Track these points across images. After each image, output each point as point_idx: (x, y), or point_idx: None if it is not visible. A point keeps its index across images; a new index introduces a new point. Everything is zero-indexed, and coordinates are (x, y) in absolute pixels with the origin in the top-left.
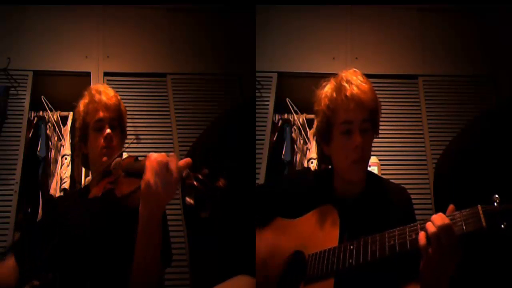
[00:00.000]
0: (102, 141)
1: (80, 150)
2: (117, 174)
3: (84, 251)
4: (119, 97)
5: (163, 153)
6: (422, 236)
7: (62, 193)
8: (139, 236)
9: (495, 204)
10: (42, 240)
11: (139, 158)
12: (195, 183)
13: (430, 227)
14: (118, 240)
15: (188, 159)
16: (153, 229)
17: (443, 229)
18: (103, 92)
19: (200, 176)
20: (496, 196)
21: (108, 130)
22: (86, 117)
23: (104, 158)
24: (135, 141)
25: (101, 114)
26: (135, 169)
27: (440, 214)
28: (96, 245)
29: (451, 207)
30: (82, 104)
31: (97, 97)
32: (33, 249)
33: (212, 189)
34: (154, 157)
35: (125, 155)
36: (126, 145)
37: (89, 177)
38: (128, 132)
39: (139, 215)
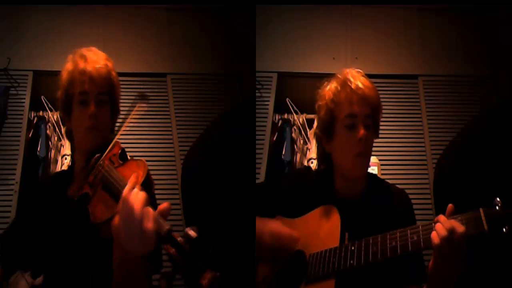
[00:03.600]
0: (87, 119)
1: (64, 123)
2: (97, 174)
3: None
4: (110, 65)
5: (139, 201)
6: (435, 235)
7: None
8: (115, 273)
9: (497, 207)
10: (22, 234)
11: (135, 158)
12: (171, 250)
13: (440, 229)
14: (91, 265)
15: (166, 209)
16: (131, 268)
17: (453, 230)
18: (90, 59)
19: (180, 241)
20: (498, 199)
21: (93, 107)
22: (69, 89)
23: (88, 142)
24: (141, 101)
25: (86, 86)
26: (112, 188)
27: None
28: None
29: (450, 206)
30: (64, 72)
31: (81, 65)
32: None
33: (191, 266)
34: (128, 207)
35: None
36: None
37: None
38: (128, 132)
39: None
